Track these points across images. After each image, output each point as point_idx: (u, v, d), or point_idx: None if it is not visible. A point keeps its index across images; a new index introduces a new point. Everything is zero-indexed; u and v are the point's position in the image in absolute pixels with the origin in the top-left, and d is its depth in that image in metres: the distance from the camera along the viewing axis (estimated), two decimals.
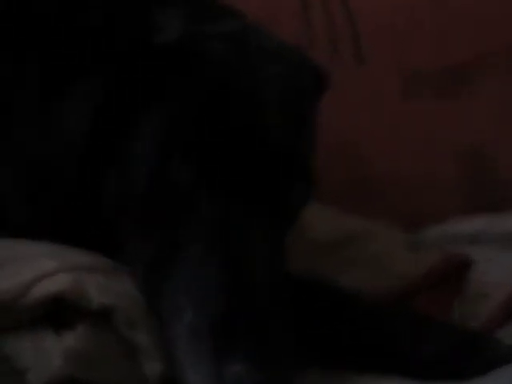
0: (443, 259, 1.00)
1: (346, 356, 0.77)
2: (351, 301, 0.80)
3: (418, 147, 1.46)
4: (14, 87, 0.76)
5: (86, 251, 0.71)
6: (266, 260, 0.68)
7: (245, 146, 0.70)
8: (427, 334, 0.78)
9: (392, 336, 0.77)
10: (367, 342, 0.77)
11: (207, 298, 0.65)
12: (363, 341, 0.77)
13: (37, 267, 0.66)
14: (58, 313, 0.64)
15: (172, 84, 0.72)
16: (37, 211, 0.76)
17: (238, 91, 0.72)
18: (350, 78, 1.47)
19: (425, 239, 1.23)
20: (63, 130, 0.74)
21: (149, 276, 0.69)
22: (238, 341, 0.63)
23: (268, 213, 0.70)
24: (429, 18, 1.46)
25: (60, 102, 0.74)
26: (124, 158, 0.72)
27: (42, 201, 0.76)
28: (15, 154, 0.76)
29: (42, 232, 0.74)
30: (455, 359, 0.76)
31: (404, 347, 0.77)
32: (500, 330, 0.91)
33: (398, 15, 1.46)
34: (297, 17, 1.46)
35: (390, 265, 0.95)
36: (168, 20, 0.74)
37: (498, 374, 0.72)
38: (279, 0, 1.41)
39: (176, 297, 0.67)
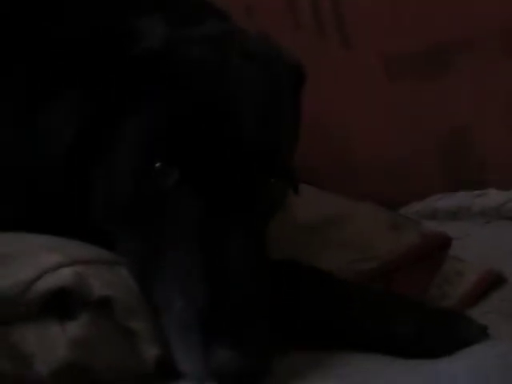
0: (422, 239, 1.01)
1: (322, 335, 0.80)
2: (328, 282, 0.83)
3: (401, 128, 1.49)
4: (2, 99, 0.80)
5: (84, 243, 0.76)
6: (246, 252, 0.73)
7: (224, 148, 0.74)
8: (401, 313, 0.80)
9: (367, 315, 0.80)
10: (342, 321, 0.80)
11: (193, 290, 0.70)
12: (338, 320, 0.80)
13: (39, 262, 0.70)
14: (61, 304, 0.69)
15: (154, 90, 0.75)
16: (23, 210, 0.80)
17: (217, 95, 0.76)
18: (336, 61, 1.50)
19: (407, 217, 1.26)
20: (50, 137, 0.78)
21: (139, 269, 0.74)
22: (223, 328, 0.68)
23: (246, 209, 0.75)
24: (411, 3, 1.48)
25: (46, 111, 0.78)
26: (110, 160, 0.76)
27: (29, 201, 0.80)
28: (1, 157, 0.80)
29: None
30: (427, 338, 0.78)
31: (379, 327, 0.79)
32: (473, 309, 0.95)
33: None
34: (283, 0, 1.48)
35: (368, 245, 0.97)
36: (149, 26, 0.78)
37: (467, 353, 0.74)
38: None
39: (165, 289, 0.72)
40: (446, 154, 1.50)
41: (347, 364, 0.74)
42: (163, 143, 0.74)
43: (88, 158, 0.77)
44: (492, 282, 1.04)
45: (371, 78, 1.50)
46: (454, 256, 1.06)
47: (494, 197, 1.39)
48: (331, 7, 1.50)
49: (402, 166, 1.50)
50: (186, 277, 0.71)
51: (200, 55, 0.77)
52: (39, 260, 0.71)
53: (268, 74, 0.80)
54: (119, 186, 0.76)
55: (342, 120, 1.50)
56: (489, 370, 0.68)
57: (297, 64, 0.86)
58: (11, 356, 0.67)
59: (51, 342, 0.67)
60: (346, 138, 1.51)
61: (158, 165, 0.74)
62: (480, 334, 0.80)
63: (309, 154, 1.37)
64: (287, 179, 0.82)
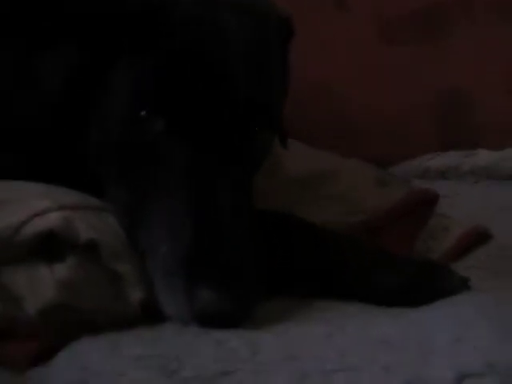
0: (409, 194, 1.03)
1: (310, 284, 0.82)
2: (316, 234, 0.85)
3: (399, 89, 1.49)
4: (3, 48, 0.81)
5: (74, 191, 0.77)
6: (232, 200, 0.75)
7: (211, 97, 0.76)
8: (385, 264, 0.83)
9: (353, 266, 0.82)
10: (330, 271, 0.82)
11: (178, 235, 0.72)
12: (326, 271, 0.82)
13: (29, 207, 0.72)
14: (50, 247, 0.71)
15: (143, 39, 0.77)
16: (14, 158, 0.82)
17: (204, 44, 0.77)
18: (332, 23, 1.50)
19: (395, 175, 1.28)
20: (41, 81, 0.80)
21: (126, 215, 0.76)
22: (207, 271, 0.70)
23: (233, 158, 0.76)
24: None
25: (40, 59, 0.79)
26: (102, 106, 0.78)
27: (18, 148, 0.82)
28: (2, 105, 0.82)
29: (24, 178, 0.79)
30: (410, 289, 0.81)
31: (363, 276, 0.82)
32: (458, 263, 0.97)
33: None
34: None
35: (355, 200, 0.99)
36: None
37: (447, 303, 0.76)
38: None
39: (151, 234, 0.74)
40: (444, 115, 1.50)
41: (330, 309, 0.76)
42: (149, 92, 0.76)
43: (81, 103, 0.79)
44: (478, 238, 1.06)
45: (368, 39, 1.50)
46: (441, 213, 1.08)
47: (483, 157, 1.40)
48: None
49: (400, 125, 1.50)
50: (172, 222, 0.73)
51: (188, 9, 0.78)
52: (30, 205, 0.73)
53: (256, 24, 0.81)
54: (109, 131, 0.78)
55: (339, 80, 1.50)
56: (469, 318, 0.69)
57: (285, 17, 0.87)
58: (2, 297, 0.69)
59: (40, 284, 0.69)
60: (346, 98, 1.51)
61: (143, 113, 0.75)
62: (462, 286, 0.82)
63: (308, 113, 1.38)
64: (273, 130, 0.83)
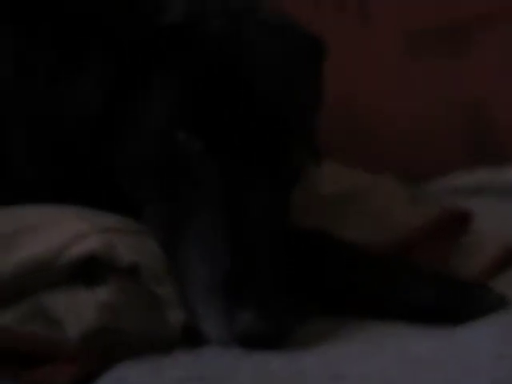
0: (441, 212, 1.02)
1: (348, 305, 0.81)
2: (353, 253, 0.84)
3: (422, 104, 1.49)
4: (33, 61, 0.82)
5: (112, 214, 0.77)
6: (270, 218, 0.75)
7: (244, 115, 0.76)
8: (421, 282, 0.82)
9: (388, 284, 0.82)
10: (367, 291, 0.82)
11: (216, 256, 0.72)
12: (364, 290, 0.82)
13: (70, 230, 0.72)
14: (91, 271, 0.71)
15: (176, 59, 0.77)
16: (48, 173, 0.82)
17: (235, 65, 0.77)
18: (355, 36, 1.50)
19: (427, 192, 1.28)
20: (79, 97, 0.79)
21: (165, 236, 0.76)
22: (245, 293, 0.70)
23: (269, 175, 0.77)
24: None
25: (77, 73, 0.79)
26: (137, 128, 0.78)
27: (56, 164, 0.82)
28: (31, 116, 0.82)
29: (53, 195, 0.80)
30: (446, 306, 0.80)
31: (399, 294, 0.81)
32: (492, 282, 0.95)
33: None
34: None
35: (389, 218, 0.98)
36: (171, 1, 0.79)
37: (486, 321, 0.75)
38: None
39: (190, 255, 0.74)
40: (470, 129, 1.50)
41: (365, 328, 0.75)
42: (188, 114, 0.76)
43: (115, 120, 0.79)
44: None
45: (392, 53, 1.50)
46: (474, 230, 1.06)
47: None
48: None
49: (421, 140, 1.50)
50: (210, 243, 0.73)
51: (219, 27, 0.79)
52: (70, 227, 0.73)
53: (289, 45, 0.82)
54: (146, 151, 0.78)
55: (365, 98, 1.50)
56: (506, 335, 0.69)
57: (315, 37, 0.87)
58: (44, 321, 0.70)
59: (81, 307, 0.69)
60: (371, 116, 1.51)
61: (181, 135, 0.76)
62: (499, 303, 0.81)
63: (334, 133, 1.38)
64: (307, 148, 0.84)
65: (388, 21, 1.50)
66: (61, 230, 0.73)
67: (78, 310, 0.69)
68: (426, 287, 0.82)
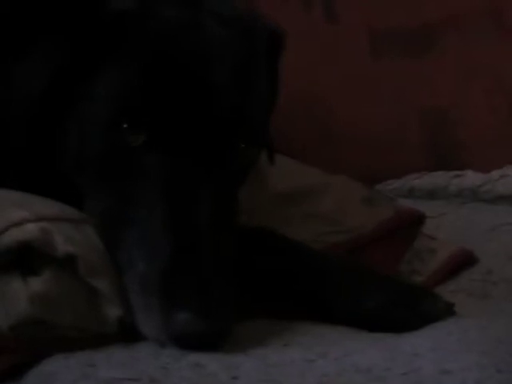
0: (395, 214, 1.02)
1: (288, 304, 0.80)
2: (299, 251, 0.83)
3: (385, 105, 1.48)
4: None
5: (54, 201, 0.75)
6: (212, 215, 0.73)
7: (193, 110, 0.74)
8: (369, 286, 0.81)
9: (335, 287, 0.81)
10: (310, 291, 0.80)
11: (156, 251, 0.70)
12: (305, 291, 0.81)
13: (6, 217, 0.70)
14: (25, 260, 0.68)
15: (124, 48, 0.75)
16: None
17: (188, 55, 0.75)
18: (321, 35, 1.49)
19: (383, 193, 1.27)
20: (20, 88, 0.77)
21: (106, 228, 0.74)
22: (183, 292, 0.68)
23: (214, 171, 0.74)
24: None
25: (18, 62, 0.77)
26: (81, 117, 0.76)
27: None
28: None
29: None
30: (393, 313, 0.79)
31: (345, 298, 0.80)
32: (442, 287, 0.96)
33: None
34: None
35: (341, 218, 0.97)
36: None
37: (430, 329, 0.75)
38: None
39: (129, 250, 0.72)
40: (428, 132, 1.50)
41: (309, 333, 0.74)
42: (132, 105, 0.74)
43: (59, 108, 0.77)
44: (463, 262, 1.05)
45: (357, 53, 1.49)
46: (427, 234, 1.07)
47: (470, 178, 1.39)
48: None
49: (382, 142, 1.50)
50: (150, 239, 0.71)
51: (172, 16, 0.76)
52: (6, 215, 0.70)
53: (241, 36, 0.79)
54: (89, 141, 0.76)
55: (326, 94, 1.49)
56: (449, 346, 0.68)
57: (274, 30, 0.85)
58: None
59: (12, 297, 0.67)
60: (330, 113, 1.50)
61: (125, 125, 0.74)
62: (446, 311, 0.80)
63: (292, 128, 1.37)
64: (259, 145, 0.81)
65: (353, 19, 1.49)
66: None
67: (9, 299, 0.67)
68: (372, 292, 0.81)
